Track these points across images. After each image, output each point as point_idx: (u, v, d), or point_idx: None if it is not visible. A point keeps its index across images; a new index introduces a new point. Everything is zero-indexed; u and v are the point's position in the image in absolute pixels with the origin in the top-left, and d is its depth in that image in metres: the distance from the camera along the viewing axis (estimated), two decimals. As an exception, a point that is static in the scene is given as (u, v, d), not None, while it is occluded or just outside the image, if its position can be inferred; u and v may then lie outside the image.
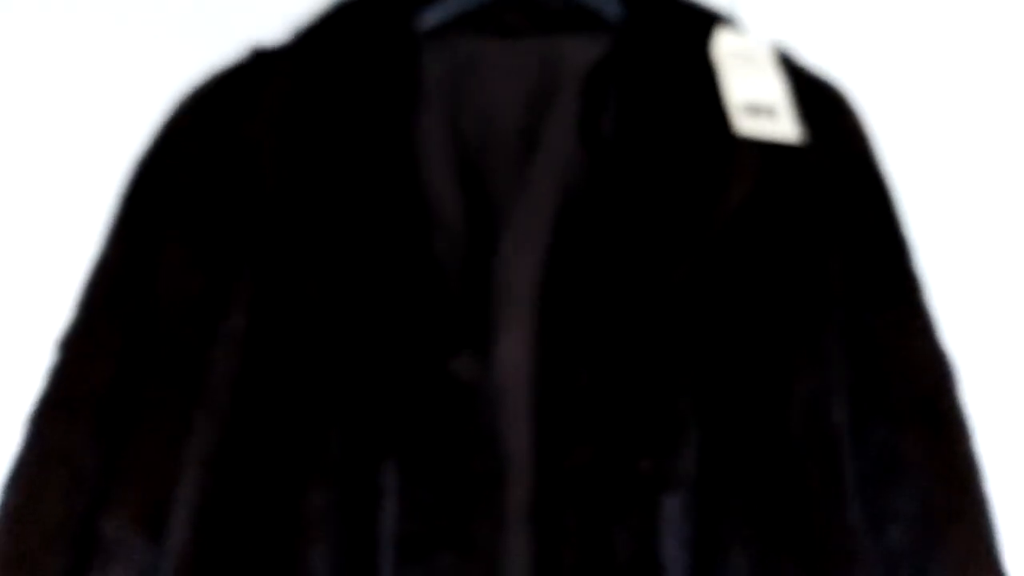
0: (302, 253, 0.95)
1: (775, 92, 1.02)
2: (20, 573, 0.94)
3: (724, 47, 1.03)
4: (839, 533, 0.94)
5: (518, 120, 1.04)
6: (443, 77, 1.04)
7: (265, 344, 0.95)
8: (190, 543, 0.92)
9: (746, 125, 0.99)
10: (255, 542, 0.92)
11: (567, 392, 0.93)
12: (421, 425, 0.92)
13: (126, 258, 1.00)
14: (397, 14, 1.06)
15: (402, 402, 0.93)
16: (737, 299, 0.96)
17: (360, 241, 0.95)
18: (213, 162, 1.01)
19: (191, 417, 0.95)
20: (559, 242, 0.97)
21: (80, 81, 1.35)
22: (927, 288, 1.03)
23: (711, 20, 1.05)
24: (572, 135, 1.02)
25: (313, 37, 1.03)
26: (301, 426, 0.93)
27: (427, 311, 0.93)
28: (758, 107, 1.00)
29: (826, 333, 0.97)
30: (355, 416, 0.93)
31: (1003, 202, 1.33)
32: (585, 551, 0.90)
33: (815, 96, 1.05)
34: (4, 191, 1.34)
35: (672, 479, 0.92)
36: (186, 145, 1.02)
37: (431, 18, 1.07)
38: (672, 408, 0.93)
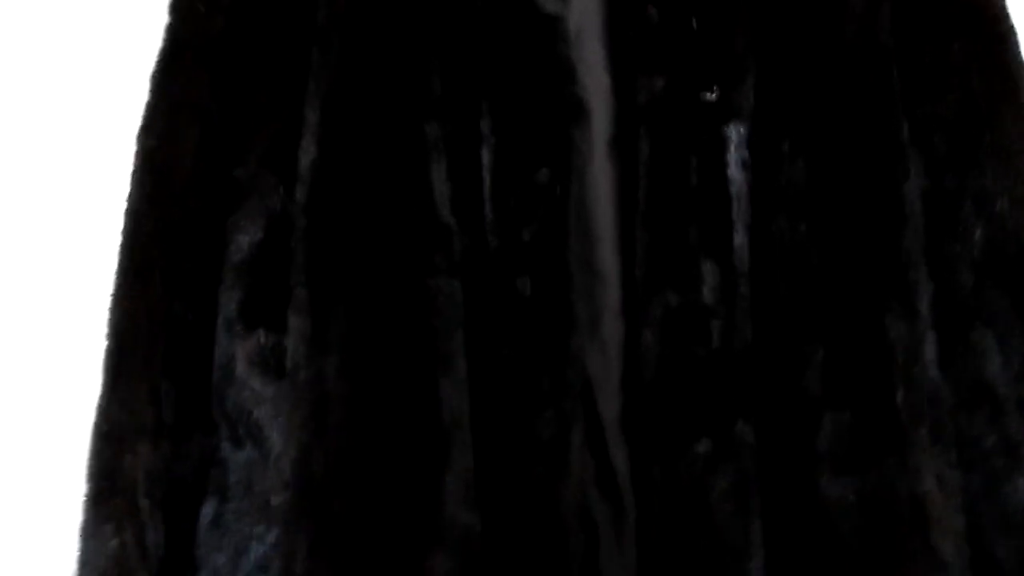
0: None
1: None
2: (162, 210, 1.07)
3: None
4: (890, 141, 1.06)
5: None
6: None
7: None
8: (318, 159, 1.04)
9: None
10: (379, 162, 1.04)
11: (639, 28, 1.03)
12: (510, 57, 1.03)
13: None
14: None
15: (490, 35, 1.03)
16: None
17: None
18: None
19: (309, 59, 1.05)
20: None
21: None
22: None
23: None
24: None
25: None
26: (406, 68, 1.04)
27: None
28: None
29: None
30: (450, 55, 1.04)
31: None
32: (660, 176, 1.03)
33: None
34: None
35: (734, 108, 1.04)
36: None
37: None
38: (731, 45, 1.04)
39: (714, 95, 1.04)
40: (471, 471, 1.02)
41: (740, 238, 1.05)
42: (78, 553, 1.06)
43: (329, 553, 1.01)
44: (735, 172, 1.04)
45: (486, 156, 1.03)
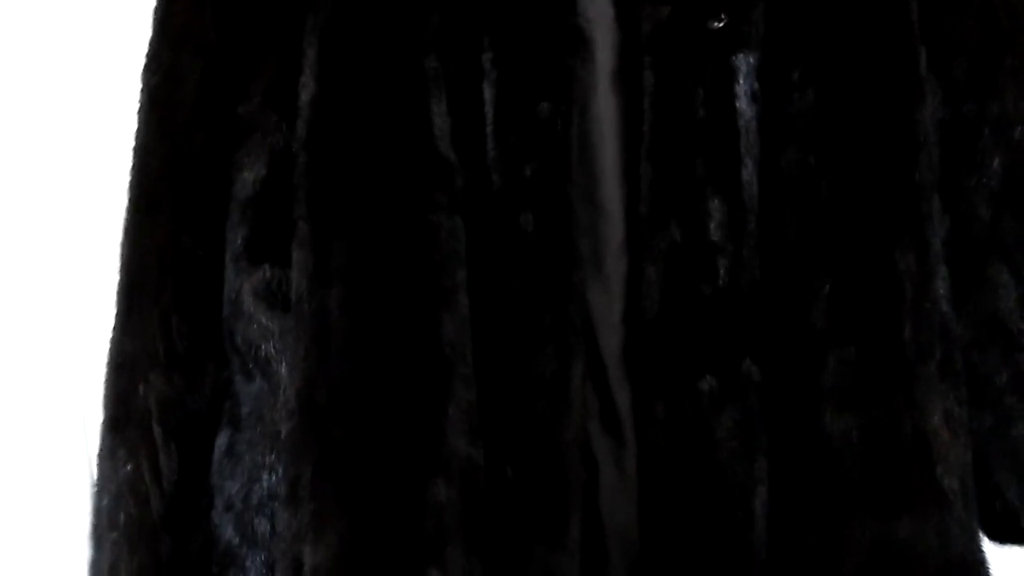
0: None
1: None
2: (168, 146, 1.08)
3: None
4: (905, 67, 1.02)
5: None
6: None
7: None
8: (316, 95, 1.03)
9: None
10: (377, 97, 1.02)
11: None
12: None
13: None
14: None
15: None
16: None
17: None
18: None
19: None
20: None
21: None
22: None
23: None
24: None
25: None
26: (403, 1, 1.02)
27: None
28: None
29: None
30: None
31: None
32: (665, 108, 1.01)
33: None
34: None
35: (743, 37, 1.01)
36: None
37: None
38: None
39: (722, 23, 1.01)
40: (473, 404, 1.03)
41: (748, 172, 1.02)
42: (95, 477, 1.10)
43: (332, 478, 1.03)
44: (744, 104, 1.02)
45: (488, 91, 1.02)
